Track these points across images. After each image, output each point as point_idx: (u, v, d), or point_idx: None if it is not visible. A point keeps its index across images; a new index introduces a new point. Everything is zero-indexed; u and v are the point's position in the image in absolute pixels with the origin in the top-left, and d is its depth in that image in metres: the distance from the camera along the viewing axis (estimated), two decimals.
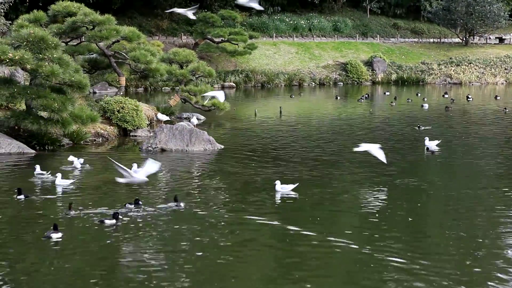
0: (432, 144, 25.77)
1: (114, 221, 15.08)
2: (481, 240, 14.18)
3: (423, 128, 30.82)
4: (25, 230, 14.69)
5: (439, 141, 26.26)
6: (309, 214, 16.22)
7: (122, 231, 14.58)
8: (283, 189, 18.20)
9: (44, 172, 20.14)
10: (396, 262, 12.62)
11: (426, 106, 42.75)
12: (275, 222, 15.38)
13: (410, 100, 47.58)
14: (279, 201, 17.54)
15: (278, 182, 18.38)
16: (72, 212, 15.80)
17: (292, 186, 18.28)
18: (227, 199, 17.82)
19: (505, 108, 40.61)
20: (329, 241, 13.96)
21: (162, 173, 21.49)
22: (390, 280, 11.82)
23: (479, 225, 15.46)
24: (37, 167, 20.40)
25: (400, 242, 13.91)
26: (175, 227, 15.02)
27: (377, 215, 16.11)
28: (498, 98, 50.30)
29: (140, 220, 15.43)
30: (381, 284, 11.69)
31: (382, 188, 19.10)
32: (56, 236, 13.98)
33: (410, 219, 15.84)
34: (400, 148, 26.64)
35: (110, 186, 19.03)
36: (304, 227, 14.91)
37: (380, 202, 17.47)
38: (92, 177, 20.69)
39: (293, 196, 17.92)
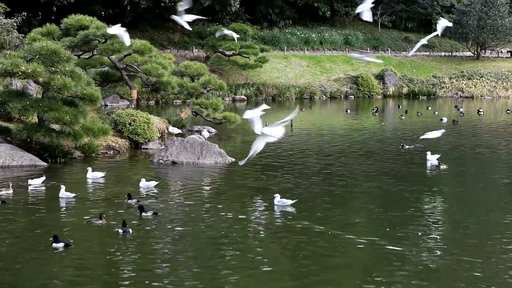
0: (433, 158, 25.83)
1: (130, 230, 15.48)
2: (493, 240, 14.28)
3: (406, 146, 30.05)
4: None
5: (440, 155, 26.25)
6: (321, 221, 16.24)
7: (128, 239, 14.68)
8: (281, 203, 18.26)
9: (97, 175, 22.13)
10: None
11: (445, 119, 42.57)
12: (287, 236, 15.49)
13: (420, 114, 47.47)
14: (287, 214, 17.56)
15: (277, 196, 18.48)
16: (101, 221, 16.18)
17: (290, 202, 18.36)
18: (237, 211, 17.83)
19: None
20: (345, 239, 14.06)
21: (173, 186, 21.61)
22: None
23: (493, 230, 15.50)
24: (89, 169, 22.27)
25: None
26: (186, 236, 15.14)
27: (388, 228, 16.14)
28: (509, 112, 50.06)
29: (146, 228, 15.55)
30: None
31: (392, 200, 19.14)
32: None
33: (419, 233, 15.81)
34: (409, 161, 26.63)
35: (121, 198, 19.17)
36: (315, 225, 14.98)
37: (390, 214, 17.50)
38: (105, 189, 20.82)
39: (292, 210, 17.94)
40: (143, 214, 16.99)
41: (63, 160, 25.86)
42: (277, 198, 18.38)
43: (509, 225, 16.70)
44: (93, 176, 22.09)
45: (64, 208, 18.30)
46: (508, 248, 14.57)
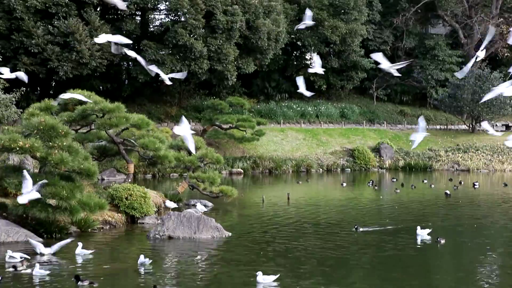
0: (424, 233, 25.86)
1: None
2: None
3: (361, 229, 27.67)
4: None
5: (431, 230, 26.24)
6: None
7: None
8: (265, 281, 18.13)
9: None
10: None
11: (448, 192, 42.39)
12: None
13: (414, 187, 47.57)
14: None
15: (259, 273, 18.34)
16: None
17: (273, 277, 18.20)
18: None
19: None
20: None
21: (169, 262, 21.46)
22: None
23: None
24: (79, 245, 22.15)
25: None
26: None
27: None
28: (506, 185, 49.93)
29: None
30: None
31: (386, 275, 19.06)
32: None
33: None
34: (401, 235, 26.57)
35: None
36: None
37: None
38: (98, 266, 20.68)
39: (277, 285, 17.77)
40: (79, 283, 17.82)
41: (59, 236, 25.69)
42: (260, 276, 18.25)
43: None
44: (81, 252, 21.92)
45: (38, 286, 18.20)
46: None
